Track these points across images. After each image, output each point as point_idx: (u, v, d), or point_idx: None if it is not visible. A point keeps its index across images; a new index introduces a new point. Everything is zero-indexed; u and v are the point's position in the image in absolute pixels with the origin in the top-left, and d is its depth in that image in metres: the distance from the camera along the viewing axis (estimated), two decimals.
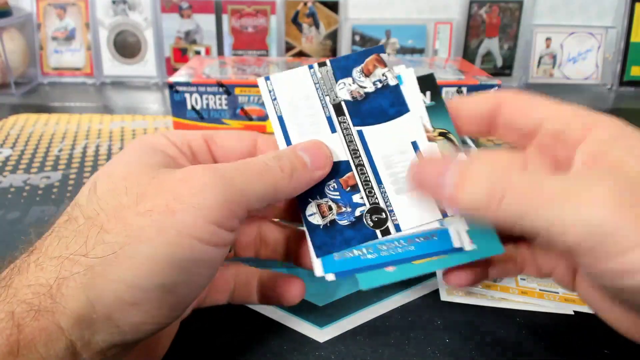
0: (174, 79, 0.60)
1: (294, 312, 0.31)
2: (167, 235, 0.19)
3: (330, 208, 0.26)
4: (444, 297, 0.32)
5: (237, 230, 0.22)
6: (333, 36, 0.86)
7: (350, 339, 0.29)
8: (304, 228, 0.26)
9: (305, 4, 0.85)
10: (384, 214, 0.26)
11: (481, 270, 0.26)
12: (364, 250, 0.25)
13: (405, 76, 0.28)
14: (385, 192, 0.26)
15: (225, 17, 0.85)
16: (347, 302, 0.32)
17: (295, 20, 0.86)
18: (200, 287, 0.21)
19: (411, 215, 0.26)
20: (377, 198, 0.26)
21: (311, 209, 0.26)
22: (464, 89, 0.61)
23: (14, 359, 0.17)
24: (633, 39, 0.84)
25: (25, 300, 0.18)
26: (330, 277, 0.25)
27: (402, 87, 0.27)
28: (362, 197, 0.26)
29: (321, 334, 0.29)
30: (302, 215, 0.26)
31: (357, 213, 0.26)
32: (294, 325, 0.30)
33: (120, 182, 0.21)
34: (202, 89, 0.60)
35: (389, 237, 0.25)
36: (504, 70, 0.88)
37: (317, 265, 0.25)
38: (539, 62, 0.86)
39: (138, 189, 0.20)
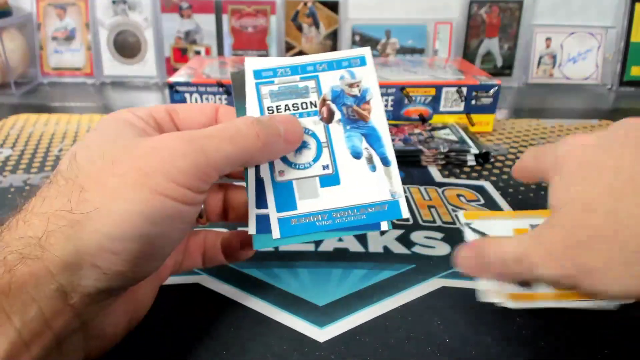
0: (174, 79, 0.60)
1: (294, 312, 0.31)
2: (141, 194, 0.21)
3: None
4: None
5: (207, 190, 0.24)
6: (333, 36, 0.86)
7: (350, 339, 0.29)
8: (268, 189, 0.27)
9: (305, 4, 0.85)
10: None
11: None
12: (320, 217, 0.27)
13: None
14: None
15: (225, 17, 0.85)
16: (347, 302, 0.32)
17: (295, 20, 0.86)
18: (176, 240, 0.24)
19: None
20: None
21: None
22: (464, 89, 0.61)
23: (6, 298, 0.19)
24: (633, 39, 0.84)
25: (17, 250, 0.20)
26: (277, 234, 0.27)
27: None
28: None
29: (321, 334, 0.29)
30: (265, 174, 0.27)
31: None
32: (294, 325, 0.30)
33: (97, 150, 0.23)
34: (202, 89, 0.60)
35: (343, 205, 0.27)
36: (504, 70, 0.88)
37: (275, 227, 0.27)
38: (539, 62, 0.86)
39: (113, 155, 0.22)
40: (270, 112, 0.28)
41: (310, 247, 0.38)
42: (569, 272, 0.20)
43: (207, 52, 0.86)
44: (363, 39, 0.86)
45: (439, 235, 0.40)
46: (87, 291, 0.21)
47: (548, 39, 0.85)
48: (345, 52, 0.29)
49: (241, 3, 0.85)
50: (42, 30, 0.85)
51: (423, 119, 0.63)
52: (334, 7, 0.85)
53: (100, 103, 0.76)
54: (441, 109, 0.62)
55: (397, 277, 0.34)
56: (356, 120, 0.28)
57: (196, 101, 0.60)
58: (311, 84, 0.28)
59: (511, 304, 0.26)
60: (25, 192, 0.47)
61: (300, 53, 0.87)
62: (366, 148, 0.28)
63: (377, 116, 0.28)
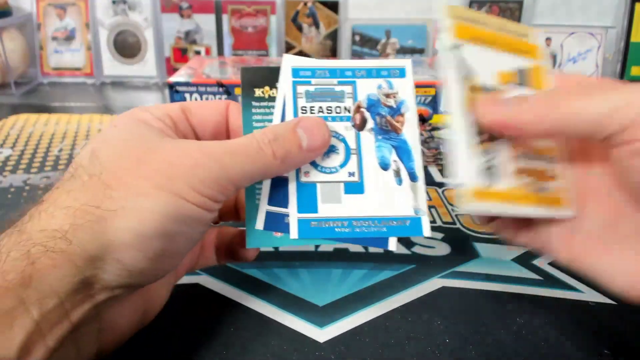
0: (174, 79, 0.60)
1: (294, 312, 0.31)
2: (164, 195, 0.22)
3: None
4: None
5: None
6: (333, 36, 0.86)
7: (350, 339, 0.29)
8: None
9: (305, 4, 0.85)
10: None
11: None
12: (340, 223, 0.26)
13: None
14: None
15: (225, 17, 0.85)
16: (347, 302, 0.32)
17: (295, 20, 0.86)
18: (194, 240, 0.25)
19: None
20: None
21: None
22: None
23: (25, 289, 0.19)
24: (633, 39, 0.84)
25: (41, 243, 0.20)
26: (294, 235, 0.26)
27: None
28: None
29: (321, 334, 0.29)
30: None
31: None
32: (294, 325, 0.30)
33: (120, 149, 0.23)
34: (202, 89, 0.60)
35: (365, 214, 0.27)
36: None
37: (294, 227, 0.26)
38: None
39: (138, 156, 0.23)
40: (304, 112, 0.27)
41: (310, 247, 0.38)
42: None
43: (207, 52, 0.86)
44: (363, 39, 0.86)
45: (439, 235, 0.40)
46: (108, 285, 0.21)
47: (548, 39, 0.85)
48: (386, 62, 0.28)
49: (241, 3, 0.85)
50: (42, 30, 0.85)
51: (423, 119, 0.63)
52: (334, 7, 0.85)
53: (100, 103, 0.76)
54: (441, 108, 0.62)
55: (397, 277, 0.34)
56: (388, 131, 0.28)
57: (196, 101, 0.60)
58: (348, 89, 0.28)
59: (469, 207, 0.24)
60: (25, 192, 0.47)
61: (300, 53, 0.87)
62: (395, 160, 0.27)
63: (410, 130, 0.28)
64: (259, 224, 0.27)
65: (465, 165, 0.24)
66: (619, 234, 0.24)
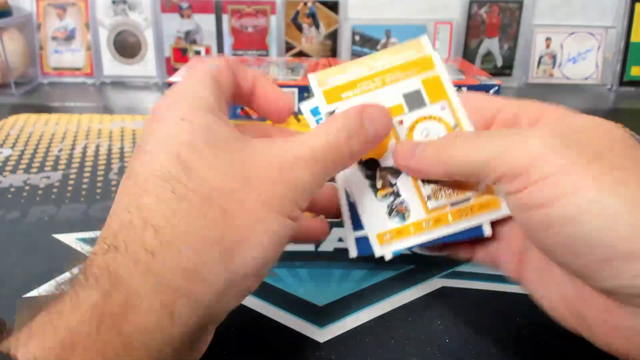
0: (174, 79, 0.60)
1: (294, 312, 0.31)
2: (276, 219, 0.21)
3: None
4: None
5: None
6: (333, 36, 0.86)
7: (350, 339, 0.29)
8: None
9: (305, 4, 0.85)
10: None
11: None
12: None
13: None
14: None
15: (225, 17, 0.85)
16: (347, 302, 0.32)
17: (295, 20, 0.86)
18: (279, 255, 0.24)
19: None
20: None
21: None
22: (464, 89, 0.61)
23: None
24: (633, 39, 0.84)
25: (170, 285, 0.18)
26: (389, 255, 0.26)
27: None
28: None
29: (321, 334, 0.29)
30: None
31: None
32: (294, 325, 0.30)
33: (211, 159, 0.20)
34: None
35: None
36: (504, 70, 0.88)
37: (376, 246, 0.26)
38: (539, 62, 0.86)
39: (236, 170, 0.21)
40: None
41: (310, 247, 0.38)
42: None
43: (207, 52, 0.86)
44: (363, 39, 0.86)
45: None
46: (225, 313, 0.21)
47: (548, 39, 0.85)
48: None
49: (241, 3, 0.85)
50: (42, 30, 0.85)
51: None
52: (334, 7, 0.85)
53: (100, 103, 0.76)
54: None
55: (397, 277, 0.34)
56: None
57: None
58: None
59: (389, 250, 0.26)
60: (25, 192, 0.47)
61: (300, 53, 0.87)
62: None
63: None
64: (352, 252, 0.26)
65: (372, 216, 0.26)
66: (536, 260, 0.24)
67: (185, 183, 0.19)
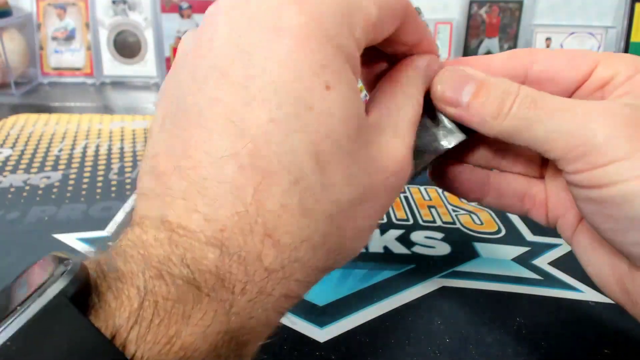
0: None
1: (294, 312, 0.31)
2: (372, 232, 0.19)
3: None
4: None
5: None
6: None
7: (350, 339, 0.29)
8: None
9: None
10: None
11: (478, 186, 0.26)
12: None
13: None
14: None
15: None
16: (347, 302, 0.32)
17: None
18: None
19: None
20: None
21: None
22: None
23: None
24: (633, 39, 0.84)
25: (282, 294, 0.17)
26: None
27: None
28: None
29: (321, 334, 0.29)
30: None
31: None
32: (294, 325, 0.30)
33: (351, 164, 0.17)
34: None
35: None
36: None
37: None
38: None
39: (365, 181, 0.18)
40: None
41: None
42: None
43: None
44: None
45: (439, 235, 0.40)
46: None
47: (548, 39, 0.85)
48: None
49: None
50: (42, 30, 0.85)
51: None
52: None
53: (100, 103, 0.76)
54: None
55: (397, 277, 0.34)
56: None
57: None
58: None
59: None
60: (25, 192, 0.47)
61: None
62: None
63: None
64: None
65: None
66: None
67: (316, 196, 0.16)
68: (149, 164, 0.17)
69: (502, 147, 0.26)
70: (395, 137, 0.19)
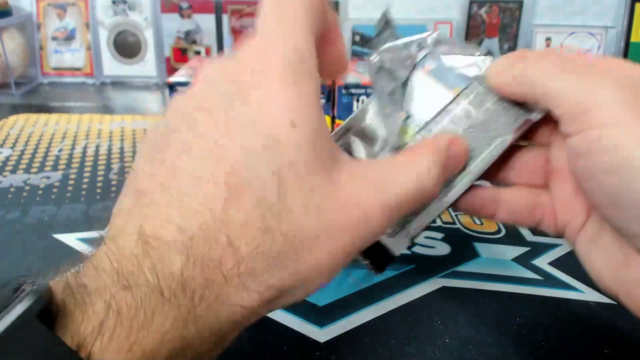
0: (174, 79, 0.60)
1: (294, 312, 0.31)
2: (334, 273, 0.20)
3: None
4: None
5: None
6: None
7: (350, 339, 0.29)
8: None
9: None
10: None
11: (490, 203, 0.26)
12: None
13: None
14: None
15: (225, 17, 0.85)
16: (347, 302, 0.32)
17: None
18: None
19: None
20: None
21: None
22: None
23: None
24: (633, 39, 0.84)
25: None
26: None
27: None
28: None
29: (321, 334, 0.29)
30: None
31: None
32: (294, 325, 0.30)
33: (310, 194, 0.18)
34: None
35: None
36: None
37: None
38: None
39: (328, 215, 0.18)
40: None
41: None
42: None
43: (207, 52, 0.86)
44: (363, 39, 0.86)
45: (439, 235, 0.40)
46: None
47: (548, 39, 0.85)
48: None
49: (241, 3, 0.85)
50: (42, 30, 0.85)
51: None
52: (334, 7, 0.85)
53: (100, 103, 0.76)
54: None
55: (397, 277, 0.34)
56: None
57: None
58: None
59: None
60: (25, 192, 0.47)
61: None
62: None
63: None
64: None
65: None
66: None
67: (277, 218, 0.17)
68: (132, 186, 0.19)
69: (508, 159, 0.26)
70: (367, 188, 0.19)
